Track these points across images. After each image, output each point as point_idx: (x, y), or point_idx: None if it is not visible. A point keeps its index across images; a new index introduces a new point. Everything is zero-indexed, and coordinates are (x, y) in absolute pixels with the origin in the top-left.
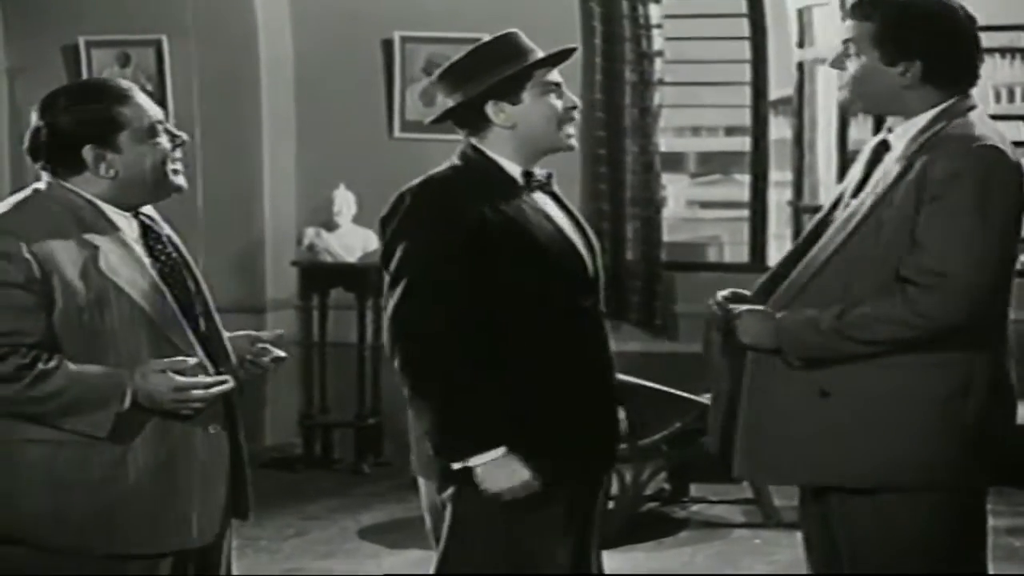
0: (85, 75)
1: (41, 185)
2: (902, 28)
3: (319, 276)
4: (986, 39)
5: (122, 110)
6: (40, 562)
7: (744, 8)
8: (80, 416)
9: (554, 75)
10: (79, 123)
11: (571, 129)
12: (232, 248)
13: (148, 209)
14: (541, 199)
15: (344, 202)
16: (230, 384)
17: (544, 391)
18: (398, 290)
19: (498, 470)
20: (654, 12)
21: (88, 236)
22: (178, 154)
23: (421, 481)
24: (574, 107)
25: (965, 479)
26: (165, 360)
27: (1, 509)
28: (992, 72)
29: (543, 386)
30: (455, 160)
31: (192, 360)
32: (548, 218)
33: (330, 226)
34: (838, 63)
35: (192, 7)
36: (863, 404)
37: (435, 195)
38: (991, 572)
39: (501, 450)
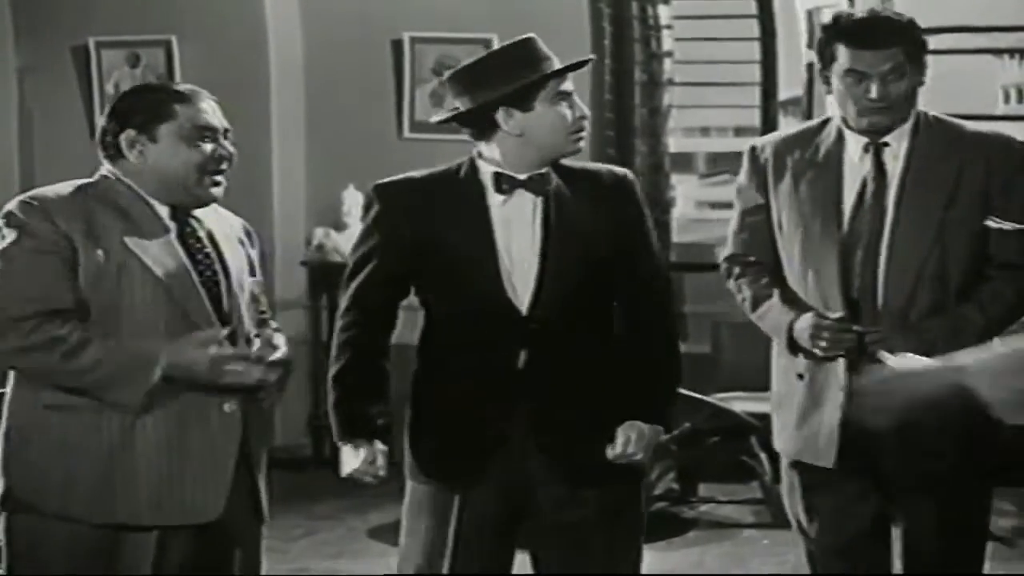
0: (95, 76)
1: (93, 177)
2: (920, 37)
3: (328, 276)
4: (993, 39)
5: (174, 105)
6: (52, 531)
7: (753, 9)
8: (115, 390)
9: (566, 84)
10: (129, 108)
11: (579, 137)
12: None
13: (205, 212)
14: (519, 203)
15: (353, 202)
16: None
17: (428, 394)
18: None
19: (346, 455)
20: (663, 13)
21: (119, 214)
22: (222, 166)
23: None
24: (583, 117)
25: None
26: (199, 333)
27: (19, 476)
28: (999, 72)
29: (427, 389)
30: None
31: (224, 332)
32: (488, 230)
33: (339, 226)
34: (895, 96)
35: (202, 8)
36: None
37: (381, 202)
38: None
39: (360, 441)
